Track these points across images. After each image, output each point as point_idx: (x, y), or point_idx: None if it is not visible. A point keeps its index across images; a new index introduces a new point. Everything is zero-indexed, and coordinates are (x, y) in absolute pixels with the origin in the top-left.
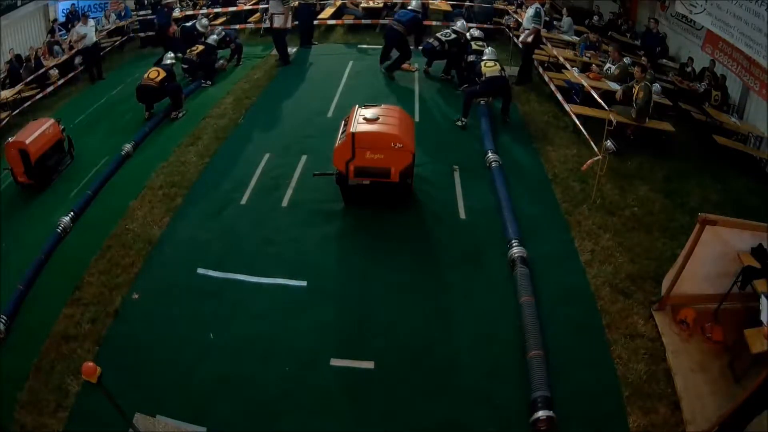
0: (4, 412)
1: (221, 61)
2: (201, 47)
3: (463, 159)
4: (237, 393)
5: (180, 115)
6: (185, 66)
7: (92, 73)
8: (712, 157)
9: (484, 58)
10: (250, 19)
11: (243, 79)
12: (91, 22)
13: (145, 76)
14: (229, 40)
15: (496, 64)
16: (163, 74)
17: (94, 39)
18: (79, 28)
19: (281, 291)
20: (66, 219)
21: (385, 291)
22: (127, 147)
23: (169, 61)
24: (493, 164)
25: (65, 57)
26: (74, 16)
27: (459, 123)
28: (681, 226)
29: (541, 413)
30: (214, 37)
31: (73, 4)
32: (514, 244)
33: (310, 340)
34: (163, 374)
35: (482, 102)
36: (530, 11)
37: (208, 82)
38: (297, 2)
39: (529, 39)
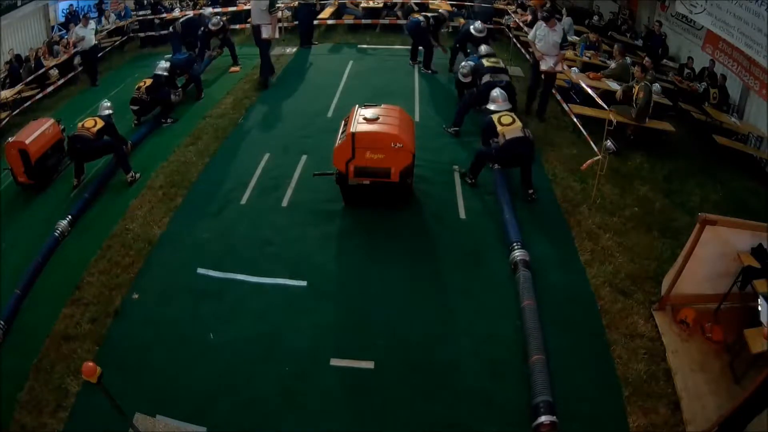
0: (4, 412)
1: (177, 94)
2: (148, 81)
3: (464, 159)
4: (237, 393)
5: (169, 121)
6: (135, 107)
7: (92, 75)
8: (712, 157)
9: (493, 107)
10: (249, 19)
11: (243, 79)
12: (92, 24)
13: (136, 87)
14: (182, 70)
15: (515, 120)
16: (149, 82)
17: (93, 41)
18: (78, 30)
19: (281, 291)
20: (64, 222)
21: (385, 291)
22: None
23: (160, 71)
24: (495, 165)
25: (65, 57)
26: (74, 17)
27: (450, 131)
28: (681, 226)
29: (543, 418)
30: (164, 65)
31: (72, 5)
32: (516, 247)
33: (310, 340)
34: (163, 374)
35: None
36: (555, 36)
37: (169, 120)
38: (297, 2)
39: (559, 67)
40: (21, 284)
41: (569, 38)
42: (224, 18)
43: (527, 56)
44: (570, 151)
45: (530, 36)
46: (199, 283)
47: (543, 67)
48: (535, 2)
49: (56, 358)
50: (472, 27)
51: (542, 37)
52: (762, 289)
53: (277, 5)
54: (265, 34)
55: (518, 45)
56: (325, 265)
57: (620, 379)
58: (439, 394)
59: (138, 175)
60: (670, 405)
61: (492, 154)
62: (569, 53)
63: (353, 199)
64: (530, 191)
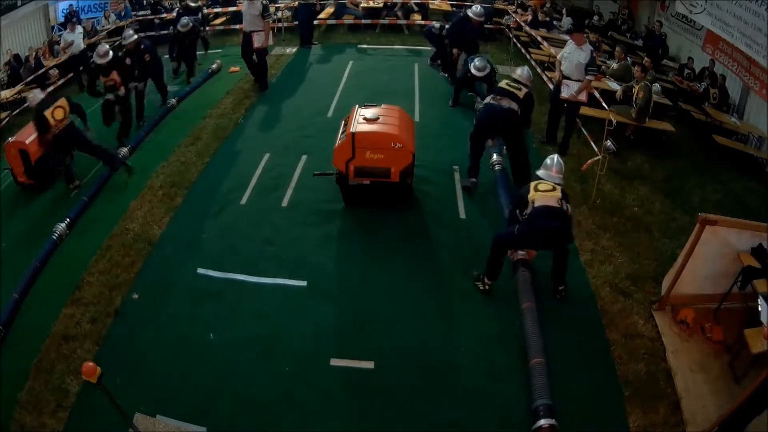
0: (4, 412)
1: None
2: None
3: (464, 159)
4: (237, 393)
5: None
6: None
7: (80, 81)
8: (712, 157)
9: (541, 173)
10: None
11: (243, 78)
12: (79, 29)
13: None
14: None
15: (555, 189)
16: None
17: (82, 46)
18: (66, 35)
19: (281, 291)
20: (62, 226)
21: (385, 291)
22: (123, 151)
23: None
24: (497, 167)
25: (65, 57)
26: (71, 18)
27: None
28: (681, 226)
29: (543, 421)
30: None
31: (71, 5)
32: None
33: (310, 340)
34: (163, 374)
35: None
36: (580, 56)
37: (77, 182)
38: (297, 2)
39: (583, 98)
40: (18, 288)
41: (569, 38)
42: (198, 17)
43: (527, 56)
44: (570, 151)
45: (559, 56)
46: (199, 283)
47: (564, 94)
48: (535, 2)
49: (56, 358)
50: (472, 66)
51: (567, 55)
52: (762, 289)
53: (274, 9)
54: (258, 42)
55: (518, 45)
56: (325, 265)
57: (620, 379)
58: (439, 394)
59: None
60: (670, 405)
61: (514, 236)
62: None
63: (353, 199)
64: (560, 287)
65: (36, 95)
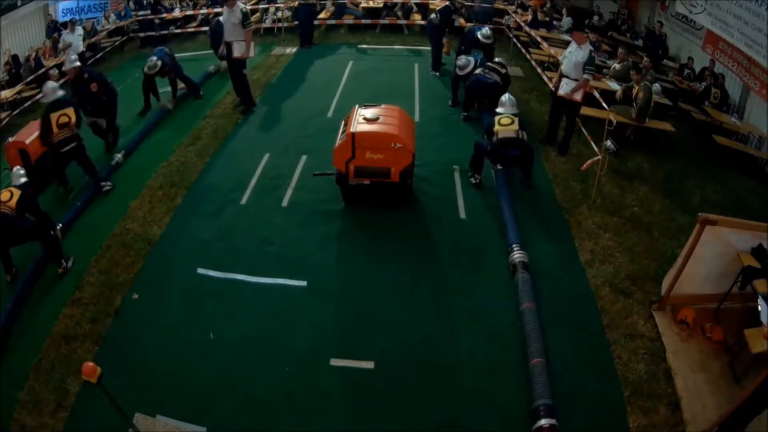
0: (4, 412)
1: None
2: (15, 192)
3: (464, 159)
4: (237, 393)
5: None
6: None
7: None
8: (712, 157)
9: (500, 110)
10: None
11: None
12: (79, 30)
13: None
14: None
15: (513, 122)
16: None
17: (81, 48)
18: (66, 36)
19: (281, 291)
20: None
21: (385, 291)
22: (118, 157)
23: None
24: (498, 166)
25: (64, 57)
26: (52, 30)
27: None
28: (681, 226)
29: (543, 422)
30: (19, 171)
31: (50, 16)
32: (515, 249)
33: (310, 340)
34: (163, 374)
35: (498, 167)
36: (578, 55)
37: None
38: (297, 2)
39: (578, 97)
40: (19, 288)
41: (569, 38)
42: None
43: (528, 56)
44: (570, 151)
45: (560, 56)
46: (199, 283)
47: (560, 91)
48: (535, 2)
49: (56, 358)
50: (479, 33)
51: (567, 54)
52: (762, 289)
53: (274, 9)
54: (237, 52)
55: (518, 45)
56: (325, 265)
57: (620, 379)
58: (439, 394)
59: (71, 262)
60: (670, 405)
61: (486, 149)
62: None
63: (353, 199)
64: (526, 183)
65: (51, 90)
